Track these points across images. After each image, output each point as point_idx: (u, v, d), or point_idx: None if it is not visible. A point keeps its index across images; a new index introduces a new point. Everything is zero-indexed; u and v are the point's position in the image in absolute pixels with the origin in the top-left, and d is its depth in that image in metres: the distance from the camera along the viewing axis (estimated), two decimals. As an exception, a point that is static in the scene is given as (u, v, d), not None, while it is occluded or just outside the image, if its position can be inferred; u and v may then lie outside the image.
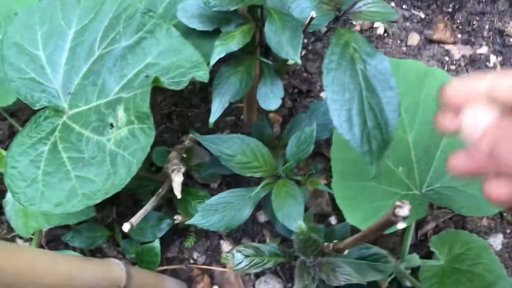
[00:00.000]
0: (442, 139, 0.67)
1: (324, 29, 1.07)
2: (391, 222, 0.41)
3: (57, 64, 0.65)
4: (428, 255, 0.89)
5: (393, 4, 1.13)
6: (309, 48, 1.08)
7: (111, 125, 0.58)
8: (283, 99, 1.06)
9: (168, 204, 0.94)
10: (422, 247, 0.89)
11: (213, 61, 0.60)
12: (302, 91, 1.04)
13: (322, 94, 1.04)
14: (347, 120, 0.46)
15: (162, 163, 0.88)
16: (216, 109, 0.62)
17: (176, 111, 1.01)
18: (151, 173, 0.82)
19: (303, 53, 1.06)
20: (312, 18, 0.59)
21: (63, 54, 0.65)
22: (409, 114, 0.67)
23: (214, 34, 0.67)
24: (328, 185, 0.92)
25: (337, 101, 0.46)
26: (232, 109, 1.03)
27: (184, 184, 0.90)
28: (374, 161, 0.46)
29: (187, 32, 0.66)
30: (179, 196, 0.70)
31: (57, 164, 0.60)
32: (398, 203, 0.39)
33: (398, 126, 0.67)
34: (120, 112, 0.57)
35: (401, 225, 0.40)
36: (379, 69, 0.47)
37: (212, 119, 0.62)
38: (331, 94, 0.46)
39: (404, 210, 0.39)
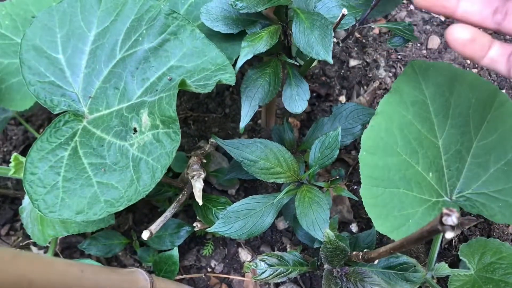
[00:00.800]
0: (474, 143, 0.65)
1: (343, 33, 1.06)
2: (436, 231, 0.39)
3: (77, 67, 0.63)
4: (453, 263, 0.87)
5: (412, 7, 1.11)
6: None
7: (135, 130, 0.56)
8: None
9: (185, 211, 0.92)
10: (447, 256, 0.87)
11: (240, 62, 0.58)
12: (321, 95, 1.02)
13: (341, 98, 1.02)
14: None
15: (180, 169, 0.86)
16: (246, 114, 0.60)
17: (192, 116, 0.99)
18: (169, 178, 0.80)
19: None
20: (343, 15, 0.57)
21: (83, 57, 0.63)
22: (440, 117, 0.64)
23: (237, 37, 0.65)
24: (350, 191, 0.89)
25: None
26: (249, 114, 1.01)
27: (203, 190, 0.88)
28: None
29: (209, 35, 0.64)
30: (200, 202, 0.68)
31: (77, 170, 0.58)
32: (445, 210, 0.37)
33: (428, 130, 0.65)
34: (144, 117, 0.55)
35: (449, 235, 0.37)
36: None
37: (243, 124, 0.60)
38: None
39: (453, 218, 0.37)
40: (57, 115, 0.62)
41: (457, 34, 0.42)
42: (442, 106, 0.64)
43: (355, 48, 1.07)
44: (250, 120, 1.00)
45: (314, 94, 1.02)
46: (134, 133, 0.57)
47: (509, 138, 0.63)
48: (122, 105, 0.61)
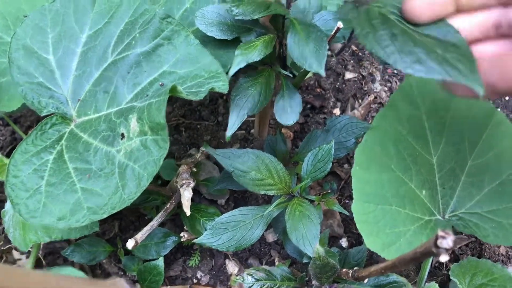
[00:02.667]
0: (468, 162, 0.64)
1: (339, 45, 1.05)
2: (430, 254, 0.38)
3: (68, 69, 0.61)
4: (443, 283, 0.85)
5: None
6: (323, 63, 1.05)
7: (122, 136, 0.55)
8: (295, 114, 1.03)
9: (172, 220, 0.90)
10: (437, 275, 0.86)
11: (233, 70, 0.57)
12: (315, 106, 1.01)
13: (336, 111, 1.01)
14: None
15: (169, 176, 0.85)
16: (234, 123, 0.58)
17: (184, 123, 0.98)
18: (158, 186, 0.78)
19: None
20: (338, 29, 0.56)
21: (74, 58, 0.61)
22: (435, 134, 0.63)
23: (231, 44, 0.64)
24: (341, 205, 0.88)
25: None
26: (243, 123, 0.99)
27: (191, 200, 0.87)
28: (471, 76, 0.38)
29: (204, 42, 0.63)
30: (188, 212, 0.67)
31: (62, 175, 0.56)
32: (441, 233, 0.36)
33: (422, 147, 0.64)
34: (133, 122, 0.54)
35: (444, 258, 0.36)
36: None
37: (229, 132, 0.58)
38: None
39: (448, 241, 0.36)
40: (45, 117, 0.61)
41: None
42: (437, 123, 0.63)
43: (351, 61, 1.06)
44: (243, 130, 0.99)
45: (309, 106, 1.01)
46: (121, 139, 0.55)
47: (504, 158, 0.62)
48: (111, 109, 0.59)
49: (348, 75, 1.04)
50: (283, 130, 1.00)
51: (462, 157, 0.64)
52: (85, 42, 0.62)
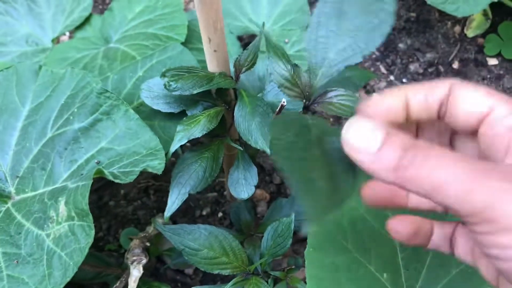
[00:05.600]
0: (435, 241, 0.59)
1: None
2: None
3: (7, 144, 0.59)
4: None
5: (392, 77, 1.08)
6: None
7: (52, 219, 0.51)
8: (270, 174, 0.99)
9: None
10: None
11: (173, 148, 0.54)
12: (291, 167, 0.97)
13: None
14: None
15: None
16: (173, 202, 0.54)
17: (154, 185, 0.94)
18: (104, 267, 0.73)
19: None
20: (282, 106, 0.53)
21: (14, 133, 0.59)
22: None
23: (180, 116, 0.61)
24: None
25: None
26: (215, 184, 0.96)
27: (155, 270, 0.82)
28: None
29: (153, 112, 0.61)
30: (134, 294, 0.62)
31: (-10, 260, 0.53)
32: None
33: (382, 225, 0.59)
34: (62, 206, 0.51)
35: None
36: None
37: (168, 213, 0.54)
38: None
39: None
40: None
41: (400, 229, 0.37)
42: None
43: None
44: (215, 192, 0.95)
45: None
46: (51, 223, 0.52)
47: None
48: (47, 188, 0.56)
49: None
50: (258, 192, 0.96)
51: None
52: (27, 115, 0.59)
